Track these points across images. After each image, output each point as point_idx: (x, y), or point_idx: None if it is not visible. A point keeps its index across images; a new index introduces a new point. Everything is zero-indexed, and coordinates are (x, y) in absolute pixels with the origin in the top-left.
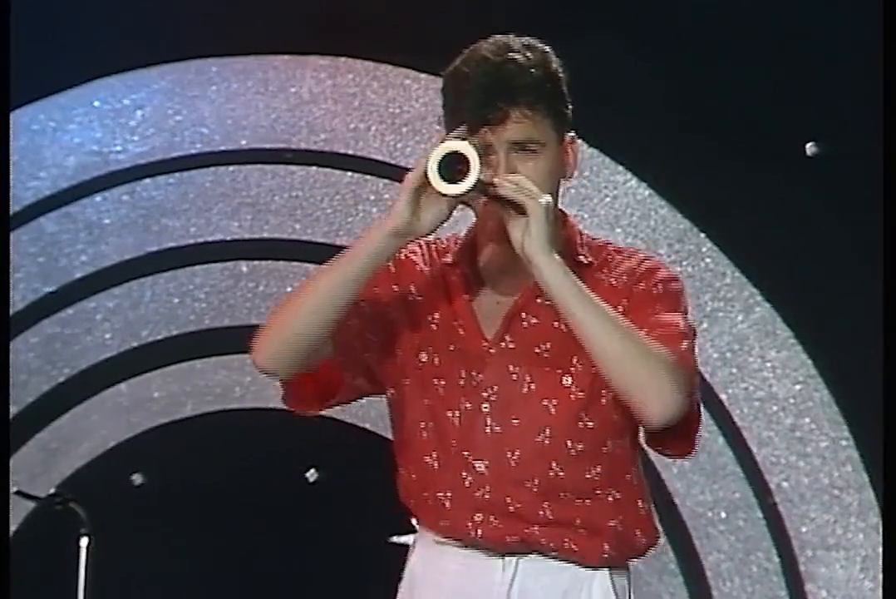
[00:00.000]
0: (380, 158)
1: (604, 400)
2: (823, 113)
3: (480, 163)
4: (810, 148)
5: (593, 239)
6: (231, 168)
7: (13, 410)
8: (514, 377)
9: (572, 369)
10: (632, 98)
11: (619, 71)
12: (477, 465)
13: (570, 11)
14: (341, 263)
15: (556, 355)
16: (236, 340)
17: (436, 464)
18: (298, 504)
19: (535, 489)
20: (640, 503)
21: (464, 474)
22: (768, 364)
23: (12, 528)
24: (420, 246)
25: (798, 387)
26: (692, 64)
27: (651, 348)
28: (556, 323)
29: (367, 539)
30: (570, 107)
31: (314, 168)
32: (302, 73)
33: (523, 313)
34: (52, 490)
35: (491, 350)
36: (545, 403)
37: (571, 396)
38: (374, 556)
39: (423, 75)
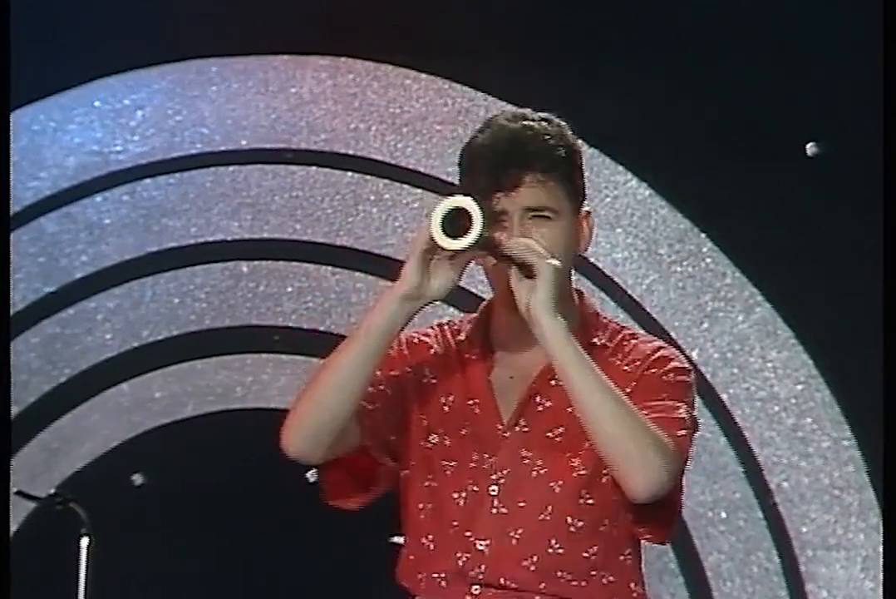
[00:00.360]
0: (380, 158)
1: (605, 479)
2: (823, 113)
3: (484, 218)
4: (810, 148)
5: (610, 321)
6: (231, 168)
7: (14, 410)
8: (526, 461)
9: (581, 452)
10: (632, 98)
11: (619, 71)
12: (478, 545)
13: (570, 11)
14: (357, 335)
15: (568, 438)
16: (237, 340)
17: (432, 545)
18: (299, 504)
19: (532, 568)
20: (632, 586)
21: (459, 554)
22: (769, 364)
23: (13, 528)
24: (433, 328)
25: (799, 387)
26: (692, 64)
27: (644, 422)
28: (569, 408)
29: (368, 540)
30: (585, 181)
31: (314, 168)
32: (302, 73)
33: (538, 397)
34: (52, 491)
35: (505, 434)
36: (552, 485)
37: (574, 473)
38: (375, 556)
39: (423, 75)
